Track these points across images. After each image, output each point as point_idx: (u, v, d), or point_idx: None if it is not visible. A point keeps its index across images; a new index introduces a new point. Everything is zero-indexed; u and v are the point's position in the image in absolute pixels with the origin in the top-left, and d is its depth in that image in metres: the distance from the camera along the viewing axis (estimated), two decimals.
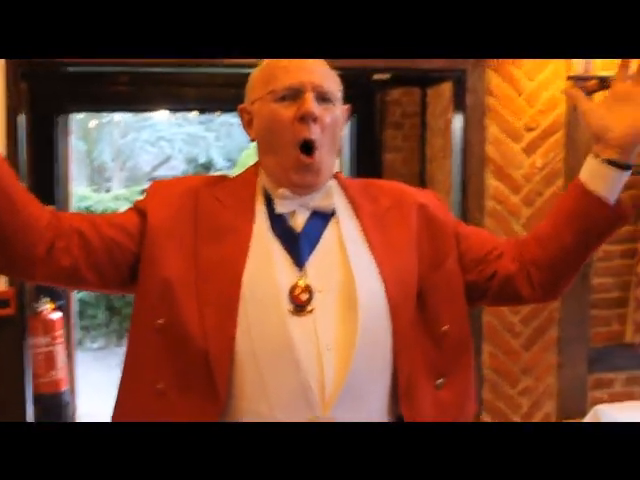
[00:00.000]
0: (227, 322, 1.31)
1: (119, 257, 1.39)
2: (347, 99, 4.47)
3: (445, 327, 1.44)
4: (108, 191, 12.41)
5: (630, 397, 3.75)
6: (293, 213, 1.43)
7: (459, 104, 3.65)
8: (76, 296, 5.44)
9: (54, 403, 4.12)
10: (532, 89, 3.56)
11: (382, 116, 4.63)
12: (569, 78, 3.46)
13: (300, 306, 1.33)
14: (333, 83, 1.47)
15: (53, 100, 4.19)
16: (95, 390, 5.71)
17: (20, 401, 3.55)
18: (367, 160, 4.60)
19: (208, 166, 13.59)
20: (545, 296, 1.55)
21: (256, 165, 1.53)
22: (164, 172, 14.69)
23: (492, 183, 3.64)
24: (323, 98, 1.43)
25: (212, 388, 1.29)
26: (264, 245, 1.38)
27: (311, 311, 1.33)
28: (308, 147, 1.40)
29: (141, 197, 1.51)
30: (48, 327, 3.98)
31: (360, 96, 4.51)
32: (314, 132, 1.40)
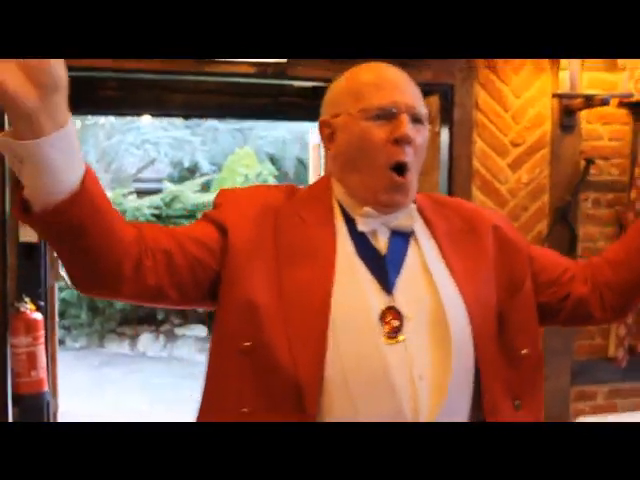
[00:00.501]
0: (317, 347, 1.27)
1: (201, 275, 1.35)
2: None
3: (524, 351, 1.43)
4: None
5: (612, 409, 3.81)
6: (374, 232, 1.40)
7: (446, 118, 3.69)
8: (58, 295, 5.42)
9: (35, 403, 4.10)
10: (518, 106, 3.61)
11: None
12: (554, 96, 3.52)
13: (392, 332, 1.31)
14: (422, 102, 1.45)
15: None
16: (76, 389, 5.71)
17: (1, 401, 3.54)
18: None
19: (193, 170, 13.57)
20: (615, 318, 1.58)
21: (327, 178, 1.49)
22: (149, 174, 14.66)
23: (478, 197, 3.68)
24: (415, 119, 1.41)
25: (301, 412, 1.26)
26: (350, 267, 1.35)
27: (403, 338, 1.31)
28: (401, 168, 1.39)
29: (212, 208, 1.45)
30: (30, 327, 3.95)
31: None
32: (408, 154, 1.39)
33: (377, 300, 1.33)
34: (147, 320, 7.75)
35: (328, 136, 1.47)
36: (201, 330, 7.27)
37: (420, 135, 1.42)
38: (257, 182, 10.58)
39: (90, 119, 12.52)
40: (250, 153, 12.07)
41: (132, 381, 6.49)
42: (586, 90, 3.51)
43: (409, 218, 1.43)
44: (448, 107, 3.67)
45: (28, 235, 4.21)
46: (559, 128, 3.60)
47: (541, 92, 3.60)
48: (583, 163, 3.64)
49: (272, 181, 11.28)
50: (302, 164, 13.05)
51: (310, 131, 5.53)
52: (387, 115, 1.38)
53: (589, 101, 3.45)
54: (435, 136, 4.10)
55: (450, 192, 3.66)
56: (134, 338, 7.80)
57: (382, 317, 1.31)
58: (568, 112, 3.52)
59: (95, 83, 4.25)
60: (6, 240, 3.54)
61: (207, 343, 7.49)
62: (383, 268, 1.36)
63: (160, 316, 7.41)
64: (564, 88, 3.49)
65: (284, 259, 1.35)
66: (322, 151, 4.79)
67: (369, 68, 1.47)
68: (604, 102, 3.40)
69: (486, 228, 1.49)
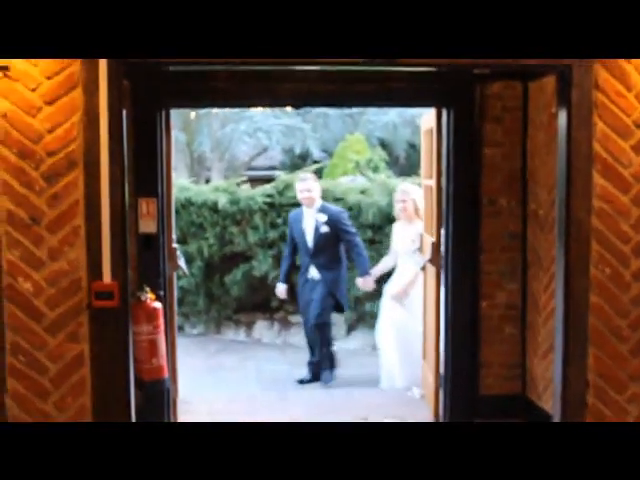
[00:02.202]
0: None
1: None
2: (446, 92, 4.36)
3: None
4: (208, 181, 12.68)
5: None
6: None
7: (564, 100, 3.53)
8: (177, 284, 5.58)
9: (156, 389, 4.24)
10: None
11: (482, 110, 4.52)
12: None
13: None
14: None
15: (155, 96, 4.30)
16: (194, 375, 5.88)
17: (124, 387, 3.70)
18: (465, 155, 4.50)
19: (304, 157, 13.69)
20: None
21: None
22: (261, 162, 14.92)
23: (599, 182, 3.51)
24: None
25: None
26: None
27: None
28: None
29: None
30: (151, 316, 4.07)
31: (459, 89, 4.42)
32: None
33: None
34: (262, 307, 7.87)
35: None
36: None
37: None
38: (368, 168, 10.52)
39: (204, 109, 12.83)
40: (361, 139, 12.02)
41: (247, 368, 6.62)
42: None
43: None
44: (566, 88, 3.50)
45: (147, 226, 4.34)
46: None
47: None
48: None
49: (383, 167, 11.19)
50: (413, 149, 12.88)
51: (421, 115, 5.43)
52: None
53: None
54: (552, 119, 3.93)
55: (569, 177, 3.51)
56: (250, 325, 7.97)
57: None
58: None
59: (208, 75, 4.32)
60: (127, 232, 3.68)
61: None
62: None
63: (274, 303, 7.52)
64: None
65: None
66: (435, 136, 4.68)
67: None
68: None
69: None
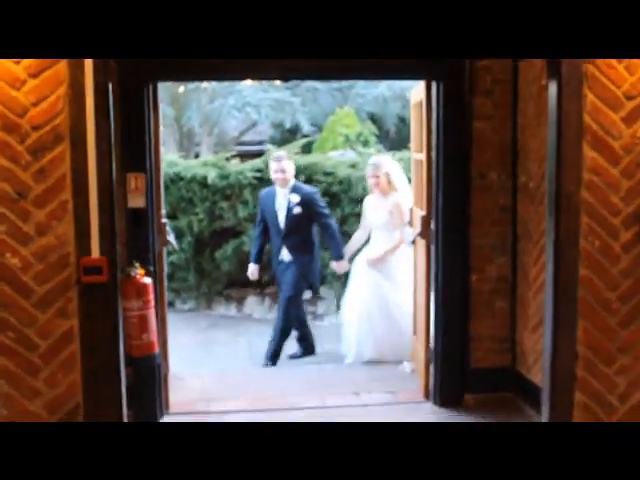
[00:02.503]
0: None
1: None
2: (436, 65, 4.29)
3: None
4: (197, 156, 12.62)
5: None
6: None
7: (554, 71, 3.50)
8: (167, 259, 5.56)
9: (147, 365, 4.22)
10: None
11: (471, 83, 4.48)
12: None
13: None
14: None
15: (141, 69, 4.23)
16: (185, 351, 5.89)
17: (114, 363, 3.70)
18: (455, 128, 4.47)
19: (294, 131, 13.63)
20: None
21: None
22: (250, 137, 14.85)
23: (589, 154, 3.50)
24: None
25: None
26: None
27: None
28: None
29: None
30: (140, 291, 4.05)
31: (447, 63, 4.38)
32: None
33: None
34: (252, 283, 7.87)
35: None
36: (306, 293, 7.31)
37: None
38: (358, 142, 10.48)
39: (192, 83, 12.72)
40: (350, 113, 11.97)
41: (238, 343, 6.65)
42: None
43: None
44: (555, 60, 3.47)
45: (136, 201, 4.30)
46: None
47: None
48: None
49: (373, 141, 11.15)
50: (404, 122, 12.84)
51: (411, 88, 5.39)
52: None
53: None
54: (542, 90, 3.90)
55: (559, 149, 3.50)
56: (240, 300, 7.98)
57: None
58: None
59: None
60: (115, 206, 3.65)
61: (311, 306, 7.57)
62: None
63: (265, 279, 7.52)
64: None
65: None
66: (424, 109, 4.65)
67: None
68: None
69: None
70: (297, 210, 5.99)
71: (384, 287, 5.70)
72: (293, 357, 6.17)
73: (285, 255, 6.09)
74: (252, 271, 6.26)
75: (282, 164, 6.04)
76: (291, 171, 6.11)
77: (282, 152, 6.59)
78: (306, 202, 6.02)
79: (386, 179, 5.76)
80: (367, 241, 6.09)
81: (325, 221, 6.09)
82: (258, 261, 6.26)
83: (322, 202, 6.23)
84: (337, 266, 6.12)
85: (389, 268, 5.73)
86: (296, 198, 6.00)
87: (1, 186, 3.42)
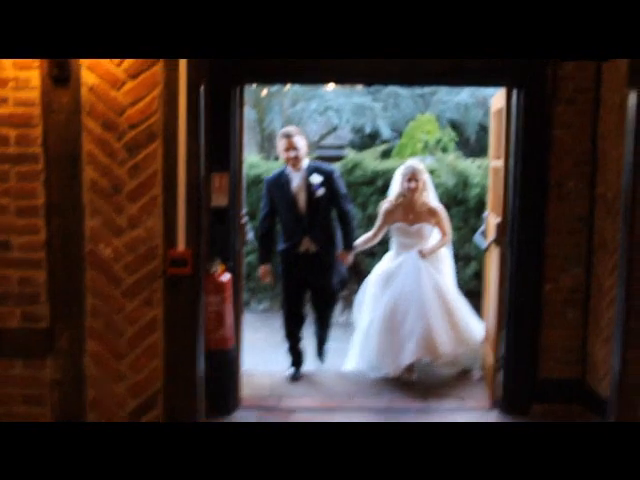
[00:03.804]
0: None
1: None
2: (517, 72, 4.29)
3: None
4: (277, 159, 12.82)
5: None
6: None
7: (635, 80, 3.48)
8: (245, 259, 5.65)
9: (221, 359, 4.35)
10: None
11: (553, 91, 4.48)
12: None
13: None
14: None
15: (231, 72, 4.37)
16: (258, 349, 6.02)
17: (193, 353, 3.86)
18: (534, 136, 4.48)
19: (374, 136, 13.67)
20: None
21: None
22: (331, 141, 14.98)
23: None
24: None
25: None
26: None
27: None
28: None
29: None
30: (219, 287, 4.16)
31: (531, 69, 4.40)
32: None
33: None
34: None
35: None
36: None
37: None
38: (437, 149, 10.48)
39: (275, 87, 12.92)
40: (431, 119, 11.94)
41: (312, 344, 6.74)
42: None
43: None
44: (638, 67, 3.45)
45: (219, 200, 4.46)
46: None
47: None
48: None
49: (452, 147, 11.12)
50: (484, 130, 12.74)
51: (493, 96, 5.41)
52: None
53: None
54: (625, 100, 3.87)
55: (636, 160, 3.48)
56: None
57: None
58: None
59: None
60: (201, 203, 3.82)
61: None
62: None
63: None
64: None
65: None
66: (504, 117, 4.67)
67: None
68: None
69: None
70: (321, 192, 5.27)
71: (438, 279, 5.58)
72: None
73: (307, 245, 5.38)
74: (265, 273, 5.56)
75: (293, 140, 5.25)
76: (304, 148, 5.34)
77: (291, 127, 5.61)
78: (328, 182, 5.30)
79: (422, 185, 5.59)
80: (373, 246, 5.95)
81: (346, 205, 5.41)
82: (269, 261, 5.54)
83: (342, 181, 5.53)
84: (343, 255, 5.48)
85: (437, 262, 5.66)
86: (318, 178, 5.28)
87: (100, 181, 3.65)
